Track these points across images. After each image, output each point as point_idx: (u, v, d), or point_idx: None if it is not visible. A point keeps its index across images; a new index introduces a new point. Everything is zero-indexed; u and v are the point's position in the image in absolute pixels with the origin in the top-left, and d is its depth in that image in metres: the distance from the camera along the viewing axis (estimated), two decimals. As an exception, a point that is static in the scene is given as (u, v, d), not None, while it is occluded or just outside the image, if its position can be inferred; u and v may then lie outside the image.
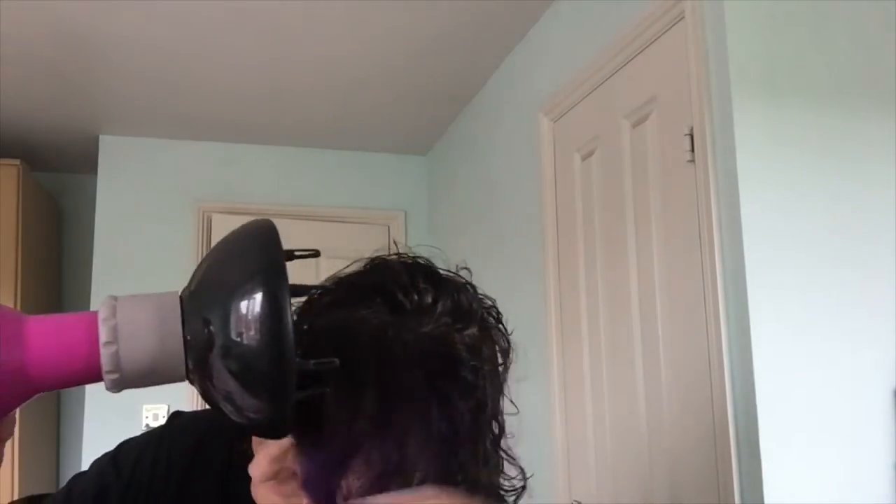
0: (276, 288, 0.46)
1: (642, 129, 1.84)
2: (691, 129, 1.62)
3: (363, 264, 0.67)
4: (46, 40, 2.51)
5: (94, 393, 3.15)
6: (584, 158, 2.14)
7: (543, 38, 2.42)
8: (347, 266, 0.66)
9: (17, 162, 3.19)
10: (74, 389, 3.44)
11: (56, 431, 3.61)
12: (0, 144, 3.33)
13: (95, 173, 3.37)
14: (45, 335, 0.47)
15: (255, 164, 3.52)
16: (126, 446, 0.76)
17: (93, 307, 3.14)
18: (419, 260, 0.68)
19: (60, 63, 2.68)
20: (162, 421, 3.28)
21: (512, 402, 0.67)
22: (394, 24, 2.46)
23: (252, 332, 0.45)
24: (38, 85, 2.85)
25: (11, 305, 3.06)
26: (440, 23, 2.45)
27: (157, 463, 0.72)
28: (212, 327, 0.46)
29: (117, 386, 0.48)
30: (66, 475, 3.54)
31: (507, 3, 2.32)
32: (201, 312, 0.47)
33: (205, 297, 0.48)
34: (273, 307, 0.45)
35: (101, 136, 3.37)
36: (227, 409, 0.48)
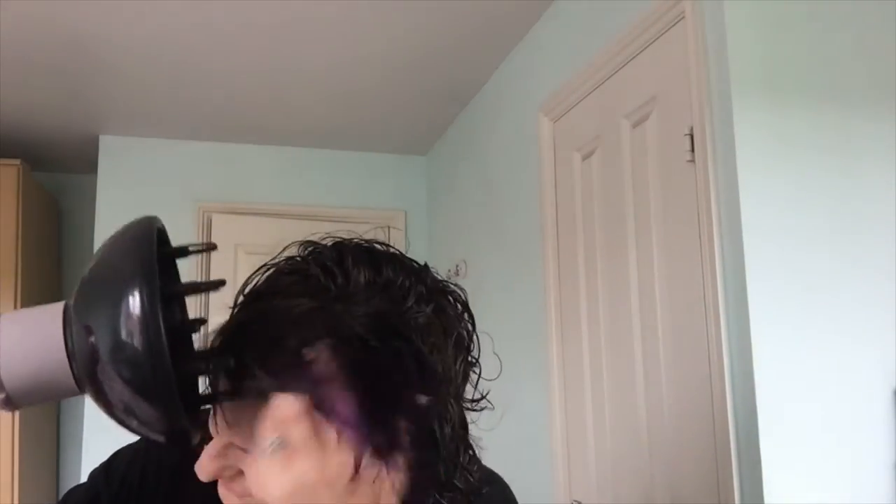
0: (147, 288, 0.45)
1: (642, 129, 1.84)
2: (691, 129, 1.62)
3: (296, 249, 0.64)
4: (47, 41, 2.51)
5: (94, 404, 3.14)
6: (584, 158, 2.14)
7: (543, 37, 2.42)
8: (279, 252, 0.65)
9: (18, 162, 3.19)
10: (75, 400, 3.45)
11: (56, 437, 3.61)
12: (0, 144, 3.33)
13: (95, 173, 3.37)
14: None
15: (254, 163, 3.52)
16: (119, 454, 0.75)
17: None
18: (362, 242, 0.63)
19: (61, 63, 2.68)
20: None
21: (484, 396, 0.65)
22: (394, 25, 2.46)
23: (134, 336, 0.44)
24: (38, 85, 2.85)
25: (11, 305, 3.07)
26: (440, 23, 2.45)
27: (146, 467, 0.71)
28: (93, 336, 0.45)
29: (7, 405, 0.46)
30: (66, 481, 3.54)
31: (506, 3, 2.32)
32: (83, 320, 0.46)
33: (85, 304, 0.46)
34: (144, 308, 0.44)
35: (100, 136, 3.37)
36: (129, 422, 0.47)
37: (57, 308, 0.47)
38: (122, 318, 0.44)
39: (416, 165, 3.70)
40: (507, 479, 0.79)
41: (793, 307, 1.45)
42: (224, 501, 0.59)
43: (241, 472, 0.58)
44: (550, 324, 2.24)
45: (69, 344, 0.46)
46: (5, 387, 0.45)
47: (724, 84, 1.52)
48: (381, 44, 2.59)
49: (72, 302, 0.48)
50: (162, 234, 0.55)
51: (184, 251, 0.54)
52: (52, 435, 3.58)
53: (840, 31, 1.59)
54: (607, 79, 1.99)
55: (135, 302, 0.44)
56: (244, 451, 0.56)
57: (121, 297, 0.45)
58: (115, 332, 0.44)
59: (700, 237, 1.57)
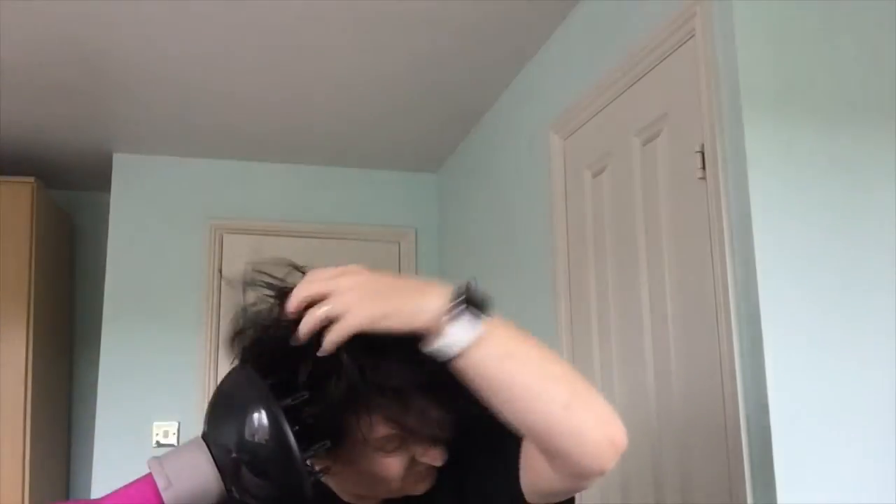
0: (265, 403, 0.63)
1: (653, 147, 1.84)
2: (702, 147, 1.62)
3: None
4: (61, 60, 2.54)
5: (105, 410, 3.16)
6: (594, 175, 2.14)
7: (554, 55, 2.42)
8: None
9: (32, 180, 3.22)
10: (85, 408, 3.46)
11: (67, 448, 3.62)
12: (15, 162, 3.36)
13: (109, 191, 3.40)
14: None
15: (266, 182, 3.53)
16: None
17: (104, 324, 3.13)
18: None
19: (75, 82, 2.71)
20: (171, 439, 3.26)
21: None
22: (405, 44, 2.47)
23: (262, 436, 0.61)
24: (52, 104, 2.88)
25: (25, 321, 3.09)
26: (451, 41, 2.46)
27: None
28: (233, 452, 0.62)
29: None
30: (77, 492, 3.55)
31: (517, 21, 2.34)
32: (220, 441, 0.63)
33: (218, 430, 0.64)
34: (270, 416, 0.62)
35: (114, 154, 3.40)
36: (265, 495, 0.65)
37: (197, 439, 0.65)
38: (249, 428, 0.62)
39: (427, 183, 3.71)
40: None
41: (805, 322, 1.44)
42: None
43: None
44: (561, 342, 2.23)
45: (216, 462, 0.63)
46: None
47: (735, 101, 1.52)
48: (393, 62, 2.60)
49: (206, 430, 0.66)
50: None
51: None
52: (64, 447, 3.59)
53: (851, 47, 1.58)
54: (618, 96, 2.00)
55: (258, 417, 0.62)
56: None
57: (245, 416, 0.63)
58: (246, 440, 0.62)
59: (712, 254, 1.57)
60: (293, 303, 0.70)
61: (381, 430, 0.75)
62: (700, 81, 1.63)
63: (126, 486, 0.64)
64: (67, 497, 3.55)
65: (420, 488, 0.83)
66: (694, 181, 1.65)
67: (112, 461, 3.10)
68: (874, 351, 1.47)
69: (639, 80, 1.90)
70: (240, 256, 3.42)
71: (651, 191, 1.84)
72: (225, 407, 0.66)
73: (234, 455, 0.62)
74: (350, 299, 0.68)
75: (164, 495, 0.61)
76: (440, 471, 0.83)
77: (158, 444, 3.14)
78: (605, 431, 0.72)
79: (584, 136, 2.20)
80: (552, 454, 0.73)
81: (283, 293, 0.73)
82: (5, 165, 3.35)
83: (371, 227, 3.59)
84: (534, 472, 0.79)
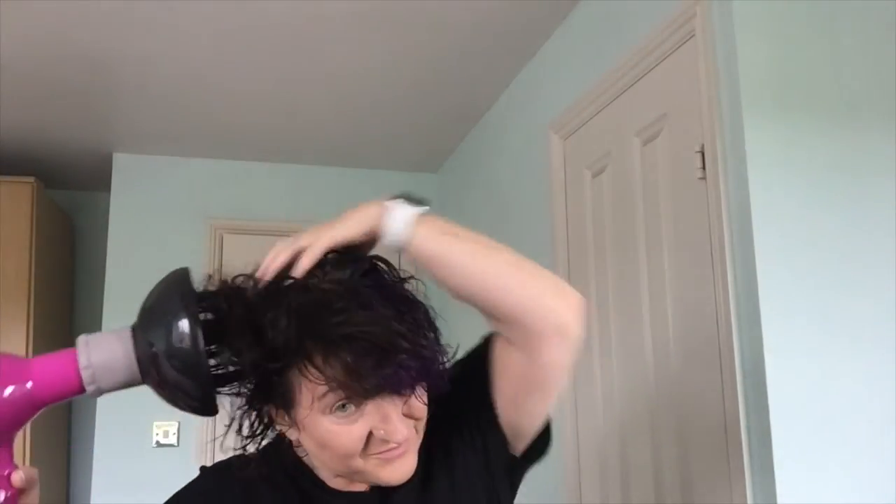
0: (190, 314, 0.71)
1: (653, 147, 1.84)
2: (702, 147, 1.62)
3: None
4: (61, 60, 2.54)
5: (105, 410, 3.15)
6: (594, 175, 2.14)
7: (554, 55, 2.42)
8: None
9: (32, 180, 3.22)
10: (85, 407, 3.46)
11: (67, 448, 3.62)
12: (15, 162, 3.36)
13: (109, 191, 3.40)
14: (45, 371, 0.71)
15: (266, 182, 3.54)
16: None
17: (105, 322, 3.14)
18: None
19: (74, 82, 2.71)
20: (172, 439, 3.26)
21: None
22: (405, 43, 2.47)
23: (184, 341, 0.70)
24: (52, 104, 2.88)
25: (25, 321, 3.10)
26: (451, 41, 2.46)
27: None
28: (154, 347, 0.71)
29: (96, 394, 0.73)
30: (77, 491, 3.55)
31: (517, 21, 2.34)
32: (147, 338, 0.72)
33: (148, 326, 0.73)
34: (191, 325, 0.71)
35: (114, 154, 3.40)
36: (175, 394, 0.73)
37: (127, 330, 0.73)
38: (174, 332, 0.71)
39: (426, 183, 3.71)
40: None
41: (805, 321, 1.45)
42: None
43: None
44: (561, 341, 2.23)
45: (137, 351, 0.72)
46: (100, 386, 0.72)
47: (735, 101, 1.52)
48: (392, 62, 2.60)
49: (136, 324, 0.74)
50: (190, 273, 0.81)
51: (206, 294, 0.81)
52: (63, 446, 3.59)
53: (851, 47, 1.58)
54: (618, 96, 2.00)
55: (182, 324, 0.71)
56: None
57: (171, 319, 0.71)
58: (170, 340, 0.70)
59: (712, 254, 1.57)
60: (267, 269, 0.80)
61: (320, 388, 0.73)
62: (700, 81, 1.63)
63: (54, 354, 0.73)
64: (68, 497, 3.55)
65: (394, 475, 0.78)
66: (694, 181, 1.65)
67: (112, 461, 3.10)
68: (874, 351, 1.47)
69: (639, 80, 1.90)
70: (240, 256, 3.40)
71: (651, 191, 1.84)
72: (156, 302, 0.75)
73: (153, 349, 0.71)
74: (313, 234, 0.80)
75: (81, 368, 0.70)
76: (426, 465, 0.81)
77: (158, 444, 3.15)
78: (554, 288, 0.79)
79: (584, 136, 2.20)
80: (507, 321, 0.79)
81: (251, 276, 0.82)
82: (5, 165, 3.35)
83: (371, 227, 3.58)
84: (501, 367, 0.84)
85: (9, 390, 0.69)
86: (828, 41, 1.58)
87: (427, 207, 0.82)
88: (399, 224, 0.80)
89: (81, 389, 0.71)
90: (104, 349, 0.71)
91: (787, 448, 1.38)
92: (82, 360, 0.71)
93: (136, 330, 0.73)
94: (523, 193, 2.62)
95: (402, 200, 0.82)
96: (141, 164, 3.42)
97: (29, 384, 0.70)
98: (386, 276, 0.79)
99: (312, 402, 0.74)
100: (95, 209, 3.69)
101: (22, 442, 3.00)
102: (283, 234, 3.25)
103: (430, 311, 0.78)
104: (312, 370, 0.73)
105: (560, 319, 0.78)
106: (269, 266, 0.80)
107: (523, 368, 0.82)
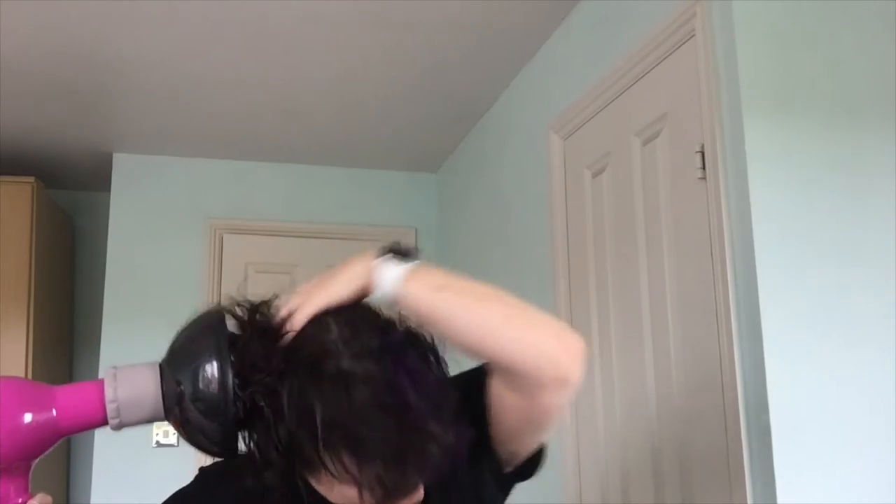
0: (221, 359, 0.71)
1: (653, 147, 1.84)
2: (702, 147, 1.62)
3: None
4: (60, 59, 2.54)
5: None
6: (594, 175, 2.14)
7: (554, 55, 2.42)
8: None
9: (32, 180, 3.22)
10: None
11: (67, 448, 3.62)
12: (15, 162, 3.36)
13: (109, 191, 3.40)
14: (70, 401, 0.72)
15: (266, 181, 3.53)
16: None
17: (104, 324, 3.13)
18: None
19: (74, 82, 2.71)
20: (172, 439, 3.26)
21: None
22: (404, 43, 2.47)
23: (212, 386, 0.70)
24: (52, 104, 2.88)
25: (25, 321, 3.09)
26: (451, 41, 2.46)
27: None
28: (182, 386, 0.71)
29: (118, 428, 0.73)
30: (77, 492, 3.54)
31: (517, 21, 2.34)
32: (175, 375, 0.71)
33: (177, 365, 0.72)
34: (221, 371, 0.70)
35: (114, 154, 3.40)
36: (196, 436, 0.72)
37: (155, 367, 0.74)
38: (203, 375, 0.70)
39: (426, 183, 3.71)
40: None
41: (805, 321, 1.45)
42: None
43: None
44: (561, 341, 2.23)
45: (163, 388, 0.72)
46: (123, 421, 0.72)
47: (735, 101, 1.52)
48: (392, 62, 2.60)
49: (166, 361, 0.74)
50: (224, 314, 0.78)
51: (235, 336, 0.76)
52: (63, 442, 3.59)
53: (850, 48, 1.58)
54: (618, 96, 2.00)
55: (212, 368, 0.70)
56: None
57: (202, 362, 0.71)
58: (197, 382, 0.70)
59: (712, 254, 1.57)
60: (281, 313, 0.78)
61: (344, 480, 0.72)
62: (700, 81, 1.63)
63: (79, 384, 0.73)
64: (68, 498, 3.55)
65: None
66: (694, 181, 1.65)
67: (112, 461, 3.10)
68: (875, 351, 1.47)
69: (639, 80, 1.90)
70: (240, 256, 3.42)
71: (651, 191, 1.84)
72: (189, 341, 0.74)
73: (180, 387, 0.71)
74: (304, 294, 0.79)
75: (107, 398, 0.71)
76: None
77: (158, 445, 3.14)
78: (554, 335, 0.76)
79: (584, 136, 2.20)
80: (507, 371, 0.77)
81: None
82: (5, 165, 3.35)
83: (371, 227, 3.58)
84: (498, 402, 0.82)
85: (32, 417, 0.70)
86: (827, 41, 1.58)
87: (417, 262, 0.80)
88: (389, 282, 0.78)
89: (105, 422, 0.72)
90: (131, 384, 0.72)
91: (788, 448, 1.38)
92: (109, 394, 0.71)
93: (164, 366, 0.73)
94: (523, 193, 2.62)
95: (390, 256, 0.80)
96: (141, 164, 3.41)
97: (53, 412, 0.70)
98: (417, 348, 0.77)
99: (333, 479, 0.73)
100: (96, 209, 3.69)
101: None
102: (283, 234, 3.24)
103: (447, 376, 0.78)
104: (340, 468, 0.70)
105: (560, 370, 0.76)
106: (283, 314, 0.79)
107: (520, 408, 0.80)
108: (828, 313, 1.46)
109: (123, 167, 3.40)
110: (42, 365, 3.22)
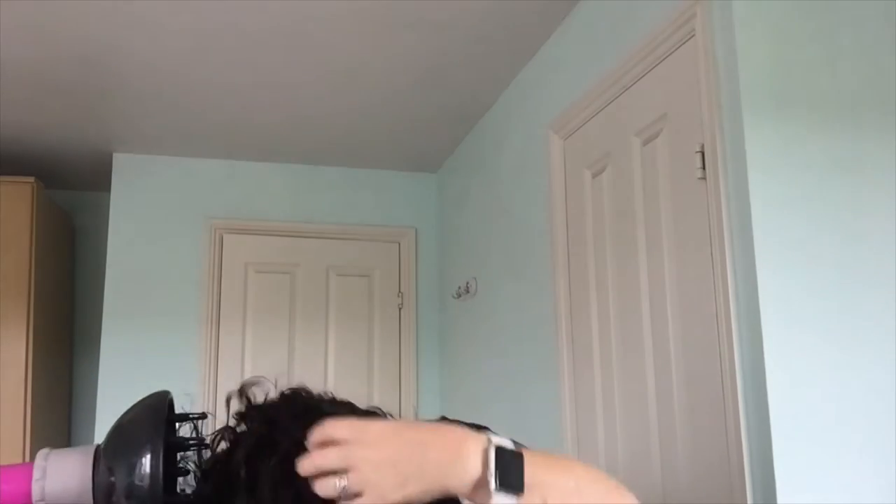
0: (156, 453, 0.69)
1: (653, 147, 1.84)
2: (702, 147, 1.62)
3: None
4: (60, 59, 2.54)
5: (105, 410, 3.15)
6: (594, 176, 2.14)
7: (554, 55, 2.42)
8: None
9: (32, 180, 3.22)
10: (85, 408, 3.46)
11: (67, 440, 3.62)
12: (15, 162, 3.36)
13: (109, 191, 3.40)
14: None
15: (266, 181, 3.53)
16: None
17: (104, 324, 3.13)
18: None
19: (74, 82, 2.70)
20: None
21: None
22: (405, 43, 2.47)
23: (144, 481, 0.68)
24: (52, 104, 2.88)
25: (25, 321, 3.09)
26: (451, 41, 2.46)
27: None
28: (114, 476, 0.69)
29: None
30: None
31: (517, 21, 2.34)
32: (108, 462, 0.70)
33: (112, 452, 0.71)
34: (153, 466, 0.69)
35: (114, 154, 3.40)
36: None
37: (89, 455, 0.72)
38: (137, 470, 0.69)
39: (426, 183, 3.71)
40: None
41: (805, 321, 1.45)
42: None
43: None
44: (561, 341, 2.23)
45: (94, 479, 0.70)
46: (47, 502, 0.70)
47: (735, 101, 1.52)
48: (392, 62, 2.60)
49: (102, 447, 0.72)
50: (171, 403, 0.78)
51: (184, 417, 0.77)
52: (63, 436, 3.58)
53: (850, 47, 1.58)
54: (617, 96, 2.00)
55: (146, 462, 0.69)
56: None
57: (137, 456, 0.69)
58: (131, 477, 0.69)
59: (712, 254, 1.57)
60: (307, 467, 0.66)
61: None
62: (700, 81, 1.63)
63: (10, 466, 0.73)
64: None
65: None
66: (694, 181, 1.65)
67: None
68: (874, 351, 1.47)
69: (639, 80, 1.90)
70: (239, 256, 3.42)
71: (651, 191, 1.84)
72: (128, 432, 0.73)
73: (112, 478, 0.70)
74: (368, 475, 0.64)
75: (34, 486, 0.70)
76: None
77: (93, 446, 3.14)
78: None
79: (583, 136, 2.20)
80: None
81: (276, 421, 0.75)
82: (5, 165, 3.35)
83: (371, 227, 3.58)
84: None
85: None
86: (827, 41, 1.58)
87: (524, 489, 0.66)
88: None
89: None
90: (61, 473, 0.70)
91: (788, 448, 1.38)
92: (35, 489, 0.70)
93: (99, 452, 0.72)
94: (523, 193, 2.62)
95: (502, 485, 0.65)
96: (141, 164, 3.41)
97: None
98: None
99: None
100: (96, 209, 3.68)
101: (22, 442, 3.00)
102: (283, 234, 3.24)
103: None
104: None
105: None
106: (312, 468, 0.67)
107: None
108: (828, 313, 1.46)
109: (123, 167, 3.40)
110: (42, 364, 3.22)
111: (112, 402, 3.16)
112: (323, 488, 0.65)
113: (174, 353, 3.26)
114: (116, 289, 3.27)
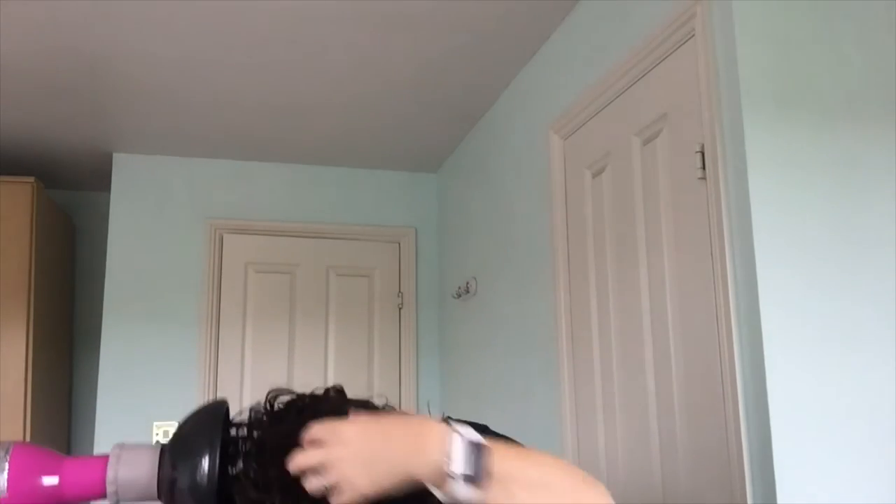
0: (213, 455, 0.77)
1: (653, 146, 1.84)
2: (702, 146, 1.62)
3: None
4: (61, 59, 2.54)
5: (105, 410, 3.16)
6: (594, 175, 2.14)
7: (554, 55, 2.42)
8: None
9: (32, 180, 3.22)
10: (85, 407, 3.46)
11: (67, 448, 3.62)
12: (15, 162, 3.36)
13: (109, 191, 3.40)
14: (75, 473, 0.80)
15: (266, 181, 3.53)
16: None
17: (104, 324, 3.13)
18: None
19: (74, 82, 2.71)
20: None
21: None
22: (404, 43, 2.47)
23: (203, 479, 0.77)
24: (52, 103, 2.88)
25: (25, 321, 3.09)
26: (451, 41, 2.46)
27: None
28: (176, 471, 0.78)
29: (115, 503, 0.80)
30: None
31: (517, 21, 2.34)
32: (173, 460, 0.79)
33: (176, 453, 0.80)
34: (210, 470, 0.77)
35: (114, 154, 3.40)
36: None
37: (156, 452, 0.81)
38: (198, 471, 0.77)
39: (426, 183, 3.71)
40: None
41: (805, 321, 1.45)
42: None
43: None
44: (561, 341, 2.23)
45: (160, 474, 0.79)
46: (119, 500, 0.79)
47: (735, 101, 1.52)
48: (392, 62, 2.60)
49: (169, 446, 0.81)
50: (227, 410, 0.85)
51: (239, 425, 0.84)
52: (63, 436, 3.58)
53: (851, 47, 1.58)
54: (617, 96, 2.00)
55: (205, 464, 0.77)
56: None
57: (198, 458, 0.77)
58: (193, 475, 0.77)
59: (712, 254, 1.57)
60: (292, 467, 0.75)
61: None
62: (700, 81, 1.63)
63: (87, 459, 0.82)
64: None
65: None
66: (694, 181, 1.65)
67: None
68: (874, 351, 1.47)
69: (639, 80, 1.90)
70: (239, 256, 3.42)
71: (651, 191, 1.84)
72: (191, 434, 0.82)
73: (174, 473, 0.78)
74: (344, 472, 0.72)
75: (109, 470, 0.79)
76: None
77: (158, 444, 3.15)
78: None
79: (583, 136, 2.20)
80: None
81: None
82: (5, 165, 3.35)
83: (371, 227, 3.59)
84: None
85: (39, 482, 0.78)
86: (827, 41, 1.58)
87: (486, 479, 0.70)
88: (460, 498, 0.70)
89: (103, 496, 0.80)
90: (132, 467, 0.80)
91: (788, 448, 1.38)
92: (110, 475, 0.79)
93: (164, 452, 0.81)
94: (523, 193, 2.62)
95: (464, 476, 0.70)
96: (141, 164, 3.41)
97: (56, 481, 0.78)
98: None
99: None
100: (96, 209, 3.69)
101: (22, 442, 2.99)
102: (283, 234, 3.24)
103: None
104: None
105: None
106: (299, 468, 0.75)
107: None
108: (828, 312, 1.46)
109: (123, 167, 3.40)
110: (42, 364, 3.22)
111: (112, 401, 3.16)
112: (310, 486, 0.73)
113: (174, 353, 3.26)
114: (116, 289, 3.27)
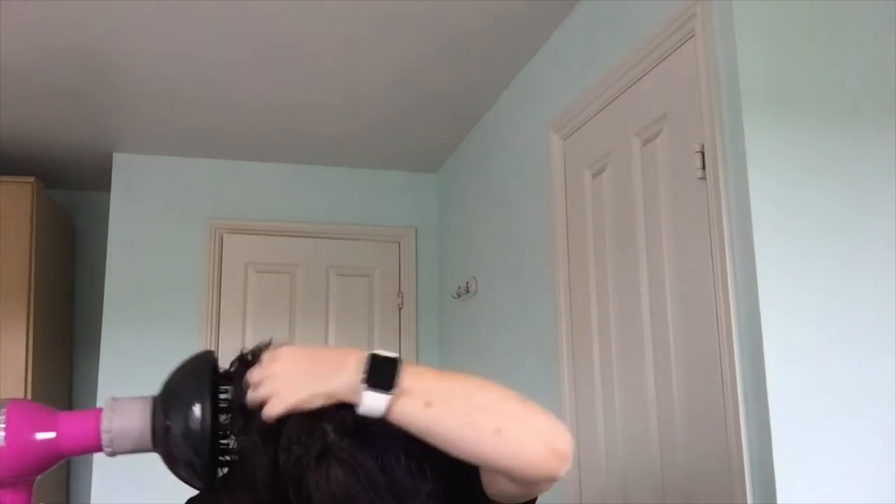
0: (205, 402, 0.80)
1: (653, 147, 1.84)
2: (702, 147, 1.62)
3: None
4: (60, 59, 2.54)
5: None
6: (594, 175, 2.14)
7: (554, 55, 2.42)
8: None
9: (32, 179, 3.22)
10: (85, 406, 3.46)
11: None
12: (15, 162, 3.36)
13: (109, 191, 3.40)
14: (70, 426, 0.81)
15: (266, 181, 3.53)
16: None
17: (104, 324, 3.13)
18: None
19: (75, 82, 2.71)
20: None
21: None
22: (404, 43, 2.47)
23: (196, 424, 0.79)
24: (52, 103, 2.88)
25: (25, 321, 3.09)
26: (450, 41, 2.46)
27: None
28: (169, 421, 0.79)
29: (112, 455, 0.82)
30: (77, 492, 3.54)
31: (517, 21, 2.34)
32: (165, 411, 0.80)
33: (167, 402, 0.81)
34: (203, 413, 0.79)
35: (114, 154, 3.40)
36: (179, 470, 0.80)
37: (148, 401, 0.82)
38: (191, 417, 0.79)
39: (426, 183, 3.71)
40: None
41: (805, 321, 1.45)
42: None
43: None
44: (561, 341, 2.23)
45: (153, 423, 0.80)
46: (115, 450, 0.81)
47: (735, 101, 1.52)
48: (392, 62, 2.60)
49: (159, 397, 0.82)
50: (214, 358, 0.88)
51: (227, 374, 0.86)
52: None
53: (850, 47, 1.59)
54: (618, 96, 2.00)
55: (197, 410, 0.79)
56: None
57: (189, 405, 0.79)
58: (185, 421, 0.79)
59: (712, 254, 1.57)
60: (245, 382, 0.82)
61: None
62: (700, 81, 1.63)
63: (80, 412, 0.82)
64: (68, 497, 3.55)
65: None
66: (694, 181, 1.65)
67: (112, 461, 3.09)
68: (874, 351, 1.47)
69: (639, 80, 1.90)
70: (239, 256, 3.42)
71: (651, 191, 1.84)
72: (181, 382, 0.83)
73: (167, 423, 0.79)
74: (276, 386, 0.80)
75: (103, 419, 0.80)
76: None
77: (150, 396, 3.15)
78: (544, 443, 0.78)
79: (583, 136, 2.20)
80: (500, 474, 0.81)
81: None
82: (5, 165, 3.35)
83: (371, 227, 3.59)
84: (492, 485, 0.85)
85: (35, 436, 0.79)
86: (827, 41, 1.58)
87: (400, 368, 0.79)
88: (375, 405, 0.77)
89: (99, 448, 0.81)
90: (125, 417, 0.81)
91: (788, 448, 1.38)
92: (104, 424, 0.80)
93: (156, 402, 0.82)
94: (523, 193, 2.62)
95: (373, 374, 0.79)
96: (141, 164, 3.41)
97: (53, 434, 0.79)
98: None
99: None
100: (96, 209, 3.69)
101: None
102: (283, 234, 3.25)
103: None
104: None
105: (550, 472, 0.79)
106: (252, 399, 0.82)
107: (511, 489, 0.83)
108: (828, 312, 1.47)
109: (123, 167, 3.40)
110: (42, 364, 3.22)
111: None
112: (250, 398, 0.80)
113: (174, 352, 3.19)
114: (116, 288, 3.27)
